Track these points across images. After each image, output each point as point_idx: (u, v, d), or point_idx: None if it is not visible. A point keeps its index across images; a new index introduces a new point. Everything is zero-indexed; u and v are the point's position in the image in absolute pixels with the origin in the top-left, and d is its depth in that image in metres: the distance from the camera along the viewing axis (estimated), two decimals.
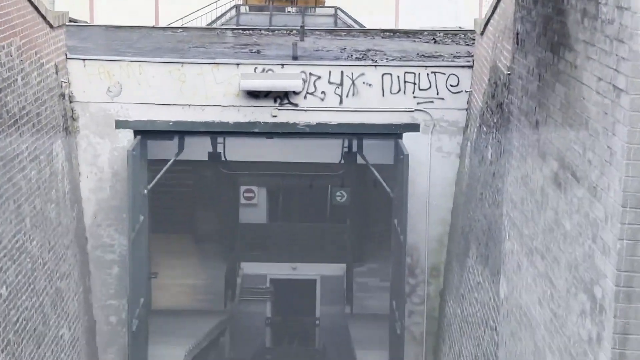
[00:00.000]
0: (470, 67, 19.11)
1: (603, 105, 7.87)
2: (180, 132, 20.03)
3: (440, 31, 28.80)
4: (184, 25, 40.67)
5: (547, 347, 9.27)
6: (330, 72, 19.28)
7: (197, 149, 22.44)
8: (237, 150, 24.04)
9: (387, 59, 20.61)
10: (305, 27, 26.24)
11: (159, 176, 20.18)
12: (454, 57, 21.07)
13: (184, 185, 34.36)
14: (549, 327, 9.24)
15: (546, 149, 9.50)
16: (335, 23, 41.92)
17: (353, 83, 19.26)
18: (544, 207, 9.49)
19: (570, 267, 8.67)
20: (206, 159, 23.45)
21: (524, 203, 10.33)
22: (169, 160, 20.62)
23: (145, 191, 19.57)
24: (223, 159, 23.37)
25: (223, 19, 44.47)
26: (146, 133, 19.55)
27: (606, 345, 7.58)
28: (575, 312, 8.46)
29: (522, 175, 10.44)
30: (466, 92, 19.06)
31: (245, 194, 33.40)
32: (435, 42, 24.88)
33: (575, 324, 8.40)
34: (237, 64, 19.32)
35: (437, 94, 19.31)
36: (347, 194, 32.79)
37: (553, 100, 9.30)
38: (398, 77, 19.26)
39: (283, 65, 19.40)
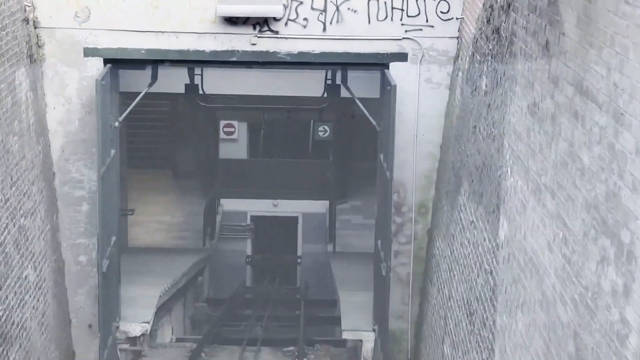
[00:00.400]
0: None
1: (634, 17, 6.58)
2: (153, 61, 18.64)
3: None
4: None
5: (559, 297, 8.06)
6: None
7: (173, 81, 20.99)
8: (215, 82, 22.64)
9: None
10: None
11: (130, 108, 18.82)
12: None
13: (162, 120, 32.99)
14: (560, 275, 8.02)
15: (559, 72, 8.23)
16: None
17: (337, 9, 17.88)
18: (556, 139, 8.24)
19: (588, 207, 7.43)
20: (183, 91, 22.05)
21: (530, 135, 9.08)
22: (142, 93, 19.29)
23: (117, 124, 18.20)
24: (201, 91, 21.98)
25: None
26: (117, 62, 18.15)
27: (636, 299, 6.36)
28: (594, 259, 7.23)
29: (529, 103, 9.19)
30: (457, 19, 17.71)
31: (225, 129, 32.04)
32: None
33: (595, 273, 7.17)
34: None
35: (427, 21, 17.94)
36: (330, 128, 31.50)
37: (568, 15, 8.01)
38: (385, 3, 17.87)
39: None
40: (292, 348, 20.73)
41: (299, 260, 31.14)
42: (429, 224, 18.41)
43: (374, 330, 18.96)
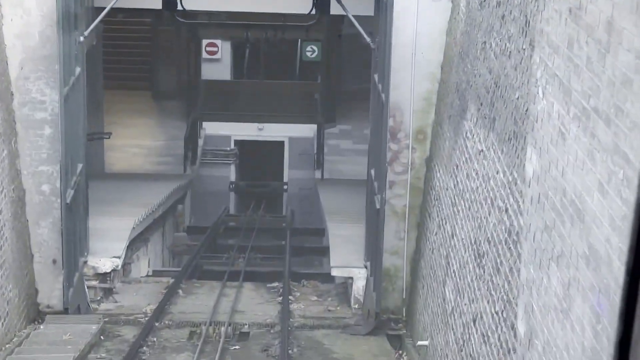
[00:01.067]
0: None
1: None
2: None
3: None
4: None
5: (615, 252, 6.10)
6: None
7: None
8: None
9: None
10: None
11: (97, 21, 16.65)
12: None
13: (141, 39, 30.79)
14: (619, 225, 6.05)
15: None
16: None
17: None
18: (614, 50, 6.25)
19: None
20: (160, 7, 19.95)
21: (574, 46, 7.09)
22: (116, 8, 17.19)
23: (82, 38, 16.07)
24: (180, 7, 19.88)
25: None
26: None
27: None
28: None
29: (572, 7, 7.17)
30: None
31: (208, 48, 29.86)
32: None
33: None
34: None
35: None
36: (318, 48, 29.37)
37: None
38: None
39: None
40: (276, 284, 18.83)
41: (285, 187, 29.21)
42: (427, 152, 16.40)
43: (365, 267, 17.08)
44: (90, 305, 16.62)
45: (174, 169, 26.98)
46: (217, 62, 29.39)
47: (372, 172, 16.80)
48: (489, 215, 11.29)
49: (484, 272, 11.28)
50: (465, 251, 12.47)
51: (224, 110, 29.00)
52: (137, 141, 28.45)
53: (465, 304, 12.12)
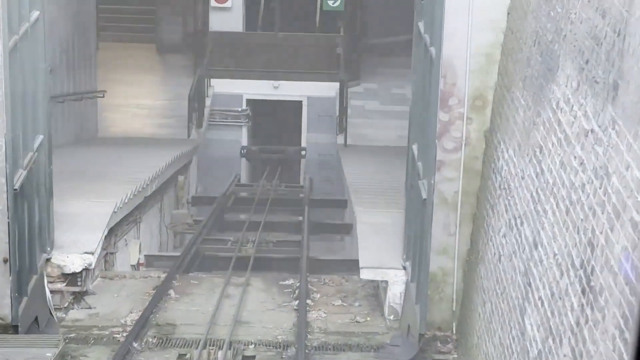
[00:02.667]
0: None
1: None
2: None
3: None
4: None
5: None
6: None
7: None
8: None
9: None
10: None
11: None
12: None
13: None
14: None
15: None
16: None
17: None
18: None
19: None
20: None
21: None
22: None
23: None
24: None
25: None
26: None
27: None
28: None
29: None
30: None
31: None
32: None
33: None
34: None
35: None
36: None
37: None
38: None
39: None
40: (291, 282, 14.70)
41: (303, 153, 24.99)
42: (487, 124, 12.13)
43: (404, 269, 12.91)
44: (54, 315, 12.51)
45: (178, 132, 22.79)
46: (228, 11, 25.06)
47: (415, 148, 12.58)
48: (611, 231, 7.08)
49: (602, 319, 7.09)
50: (561, 275, 8.26)
51: (235, 66, 24.76)
52: (137, 100, 24.26)
53: (565, 356, 7.94)
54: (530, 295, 9.21)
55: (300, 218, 20.37)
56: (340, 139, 22.62)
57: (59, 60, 19.33)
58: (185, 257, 16.25)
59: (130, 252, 16.63)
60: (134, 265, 16.50)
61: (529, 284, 9.30)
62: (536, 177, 9.51)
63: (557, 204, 8.65)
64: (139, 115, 23.54)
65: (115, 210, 14.33)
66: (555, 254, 8.54)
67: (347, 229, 20.08)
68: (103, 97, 22.05)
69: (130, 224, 16.44)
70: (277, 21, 25.13)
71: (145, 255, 17.30)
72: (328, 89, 24.56)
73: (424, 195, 11.48)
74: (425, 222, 11.61)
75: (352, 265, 15.72)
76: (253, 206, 21.10)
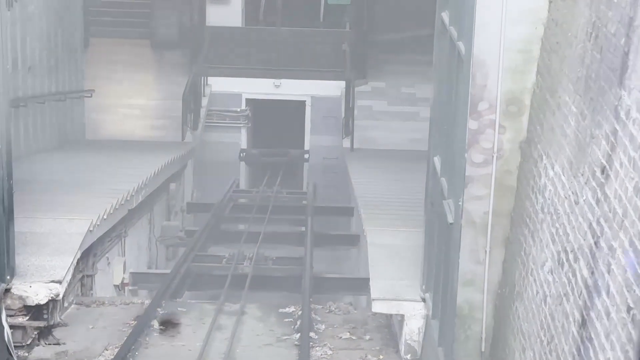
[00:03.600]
0: None
1: None
2: None
3: None
4: None
5: None
6: None
7: None
8: None
9: None
10: None
11: None
12: None
13: None
14: None
15: None
16: None
17: None
18: None
19: None
20: None
21: None
22: None
23: None
24: None
25: None
26: None
27: None
28: None
29: None
30: None
31: None
32: None
33: None
34: None
35: None
36: None
37: None
38: None
39: None
40: (292, 309, 12.66)
41: (306, 156, 22.93)
42: (523, 133, 10.07)
43: (423, 301, 10.88)
44: (13, 355, 10.47)
45: (172, 134, 20.74)
46: (226, 4, 23.02)
47: (437, 161, 10.53)
48: None
49: None
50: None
51: (234, 63, 22.72)
52: (129, 100, 22.20)
53: None
54: (591, 353, 7.16)
55: (303, 228, 18.40)
56: (346, 142, 20.56)
57: (39, 57, 17.32)
58: (174, 277, 14.21)
59: (113, 272, 14.61)
60: (117, 286, 14.47)
61: (590, 339, 7.24)
62: (597, 204, 7.45)
63: (631, 242, 6.60)
64: (131, 116, 21.49)
65: (91, 229, 12.27)
66: (630, 307, 6.49)
67: (354, 241, 18.08)
68: (91, 96, 20.01)
69: (113, 240, 14.42)
70: (279, 15, 23.08)
71: (131, 273, 15.29)
72: (333, 88, 22.55)
73: (450, 219, 9.44)
74: (451, 249, 9.57)
75: (361, 285, 13.74)
76: (252, 214, 19.10)
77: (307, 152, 22.76)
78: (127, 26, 24.11)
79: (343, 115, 21.47)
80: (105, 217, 12.81)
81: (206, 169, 22.05)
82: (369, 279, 11.58)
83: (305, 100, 22.76)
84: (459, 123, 9.48)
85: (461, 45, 9.36)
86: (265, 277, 14.97)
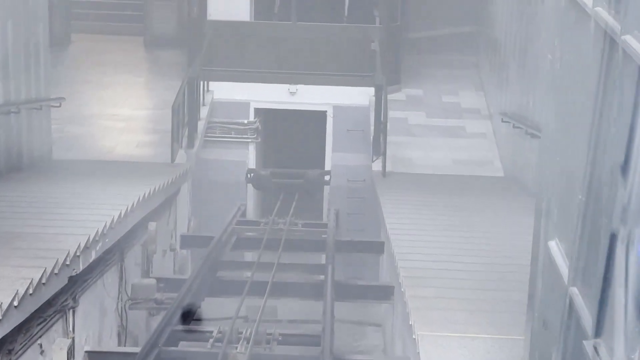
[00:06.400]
0: None
1: None
2: None
3: None
4: None
5: None
6: None
7: None
8: None
9: None
10: None
11: None
12: None
13: None
14: None
15: None
16: None
17: None
18: None
19: None
20: None
21: None
22: None
23: None
24: None
25: None
26: None
27: None
28: None
29: None
30: None
31: None
32: None
33: None
34: None
35: None
36: None
37: None
38: None
39: None
40: None
41: (327, 178, 17.94)
42: None
43: None
44: None
45: (163, 152, 15.80)
46: None
47: (556, 248, 5.53)
48: None
49: None
50: None
51: (240, 65, 17.84)
52: (113, 109, 17.33)
53: None
54: None
55: (322, 277, 13.56)
56: (376, 165, 15.56)
57: None
58: None
59: (57, 355, 9.73)
60: None
61: None
62: None
63: None
64: (113, 129, 16.59)
65: (17, 303, 7.38)
66: None
67: (386, 294, 13.25)
68: (59, 105, 15.11)
69: (52, 316, 9.54)
70: (294, 8, 18.12)
71: (86, 353, 10.45)
72: (360, 97, 17.62)
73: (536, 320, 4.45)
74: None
75: None
76: (260, 252, 14.33)
77: (328, 173, 17.81)
78: (118, 20, 19.26)
79: (372, 129, 16.48)
80: (16, 303, 7.88)
81: (206, 193, 17.16)
82: None
83: (326, 111, 17.82)
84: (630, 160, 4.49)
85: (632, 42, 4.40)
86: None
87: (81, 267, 9.82)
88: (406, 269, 9.41)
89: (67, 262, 9.30)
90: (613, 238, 4.38)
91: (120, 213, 11.29)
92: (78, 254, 9.65)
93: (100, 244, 10.47)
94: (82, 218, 10.78)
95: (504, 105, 16.00)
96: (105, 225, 10.63)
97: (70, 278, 9.58)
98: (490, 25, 18.04)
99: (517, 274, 9.10)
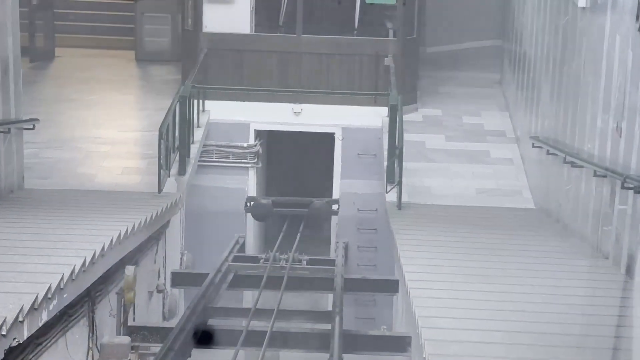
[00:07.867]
0: None
1: None
2: None
3: None
4: None
5: None
6: None
7: None
8: None
9: None
10: None
11: None
12: None
13: None
14: None
15: None
16: None
17: None
18: None
19: None
20: None
21: None
22: None
23: None
24: None
25: None
26: None
27: None
28: None
29: None
30: None
31: None
32: None
33: None
34: None
35: None
36: None
37: None
38: None
39: None
40: None
41: (335, 208, 15.82)
42: None
43: None
44: None
45: (151, 181, 13.66)
46: (230, 4, 15.99)
47: None
48: None
49: None
50: None
51: (239, 82, 15.78)
52: (96, 131, 15.26)
53: None
54: None
55: (329, 327, 11.56)
56: (391, 195, 13.39)
57: None
58: None
59: None
60: None
61: None
62: None
63: None
64: (96, 154, 14.51)
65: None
66: None
67: (402, 345, 11.22)
68: (33, 128, 13.02)
69: None
70: (299, 19, 16.03)
71: None
72: (371, 117, 15.55)
73: None
74: None
75: None
76: (258, 293, 12.32)
77: (337, 201, 15.70)
78: (106, 33, 17.20)
79: (385, 154, 14.35)
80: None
81: (201, 225, 15.09)
82: None
83: (334, 133, 15.74)
84: None
85: None
86: None
87: (26, 335, 7.67)
88: (427, 323, 7.26)
89: (3, 332, 7.15)
90: None
91: (85, 261, 9.15)
92: (21, 319, 7.51)
93: (54, 302, 8.34)
94: (35, 269, 8.64)
95: (535, 128, 13.86)
96: (62, 278, 8.50)
97: (10, 349, 7.45)
98: (517, 39, 15.93)
99: (572, 349, 6.98)
